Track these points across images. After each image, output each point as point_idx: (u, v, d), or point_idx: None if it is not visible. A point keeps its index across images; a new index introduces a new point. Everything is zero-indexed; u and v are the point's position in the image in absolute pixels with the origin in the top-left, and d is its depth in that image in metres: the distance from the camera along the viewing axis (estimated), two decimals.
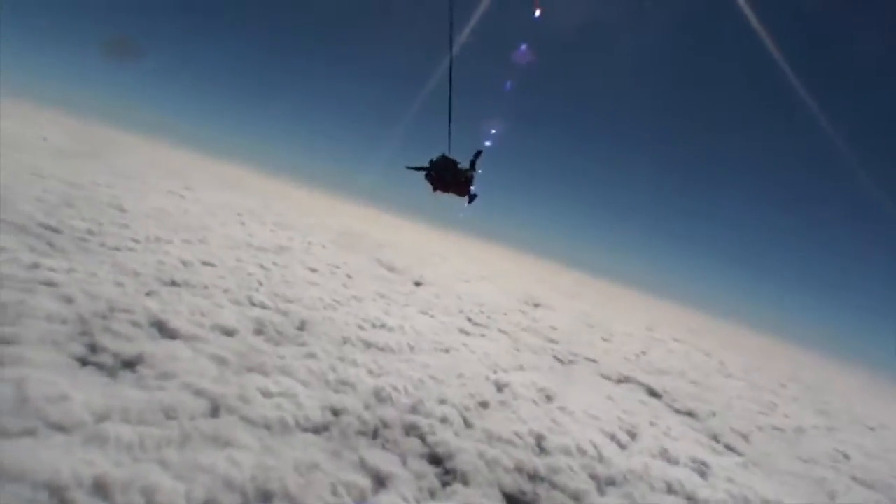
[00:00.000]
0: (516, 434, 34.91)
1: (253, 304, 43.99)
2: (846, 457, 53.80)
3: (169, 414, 25.24)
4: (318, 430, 28.66)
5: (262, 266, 57.36)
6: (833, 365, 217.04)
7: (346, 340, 42.35)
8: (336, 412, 30.67)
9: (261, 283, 50.66)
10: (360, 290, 62.54)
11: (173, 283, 42.87)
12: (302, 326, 42.82)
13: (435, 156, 13.67)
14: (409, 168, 13.88)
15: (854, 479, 47.10)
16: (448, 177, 13.81)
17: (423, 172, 13.91)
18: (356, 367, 37.67)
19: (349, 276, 68.96)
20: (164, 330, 34.05)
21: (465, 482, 28.24)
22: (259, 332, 39.14)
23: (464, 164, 13.94)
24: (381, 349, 43.21)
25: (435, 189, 14.10)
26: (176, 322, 35.32)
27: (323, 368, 35.51)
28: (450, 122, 12.84)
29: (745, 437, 50.90)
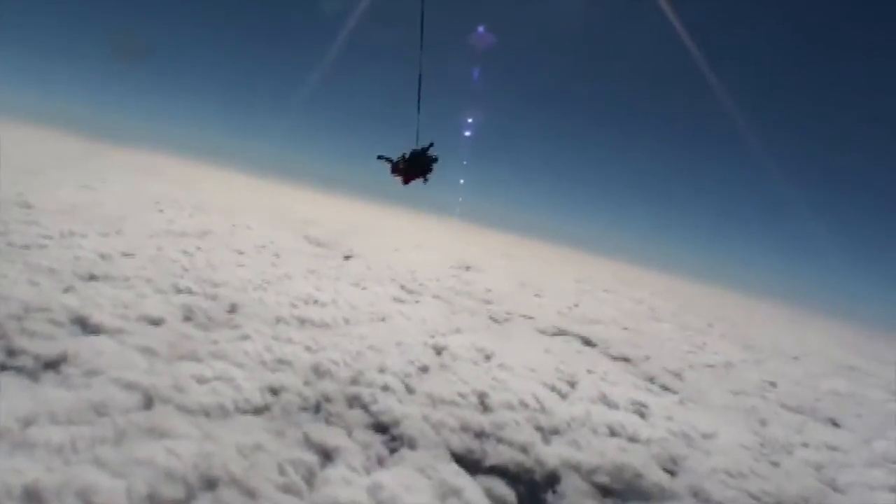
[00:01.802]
0: (459, 395, 35.23)
1: (179, 291, 42.70)
2: (773, 385, 56.68)
3: (99, 411, 24.30)
4: (258, 411, 28.22)
5: (185, 252, 55.61)
6: (755, 302, 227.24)
7: (279, 319, 41.65)
8: (275, 391, 30.24)
9: (185, 270, 49.19)
10: (290, 267, 61.51)
11: (92, 278, 41.17)
12: (232, 309, 41.88)
13: (406, 152, 13.58)
14: (381, 158, 13.80)
15: (782, 405, 49.69)
16: (417, 166, 13.77)
17: (389, 163, 13.82)
18: (292, 344, 37.18)
19: (277, 255, 67.74)
20: (86, 326, 32.78)
21: (413, 447, 28.36)
22: (188, 318, 38.10)
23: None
24: (317, 325, 42.72)
25: (406, 181, 13.97)
26: (98, 316, 33.97)
27: (258, 349, 34.84)
28: (418, 114, 12.68)
29: (679, 376, 52.84)
